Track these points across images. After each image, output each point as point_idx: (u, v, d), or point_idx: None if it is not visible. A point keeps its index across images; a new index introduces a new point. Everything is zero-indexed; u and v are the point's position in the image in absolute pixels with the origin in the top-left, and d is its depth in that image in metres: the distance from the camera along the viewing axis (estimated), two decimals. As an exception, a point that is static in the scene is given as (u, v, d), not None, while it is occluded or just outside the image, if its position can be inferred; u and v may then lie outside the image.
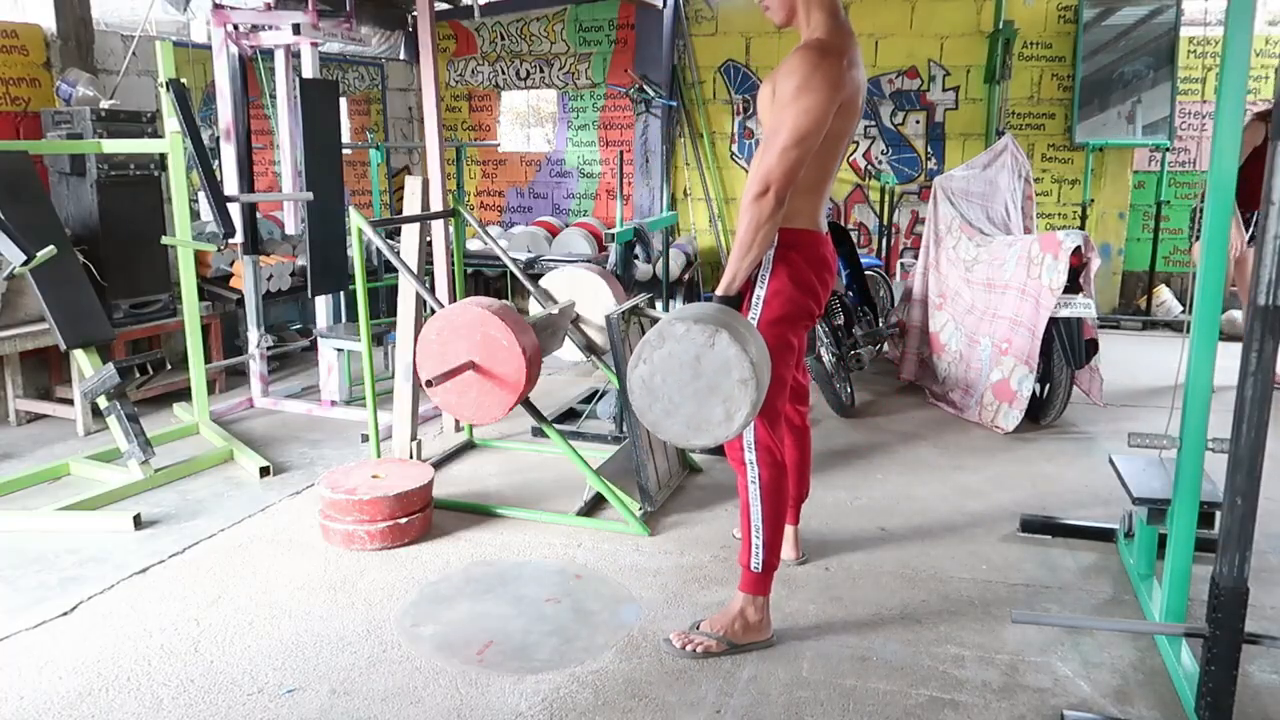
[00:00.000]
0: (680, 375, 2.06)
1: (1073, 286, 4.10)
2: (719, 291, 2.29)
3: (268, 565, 2.98)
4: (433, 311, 3.26)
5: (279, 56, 4.67)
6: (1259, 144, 4.66)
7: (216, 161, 4.68)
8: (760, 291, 2.39)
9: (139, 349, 4.77)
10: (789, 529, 2.96)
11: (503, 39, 7.66)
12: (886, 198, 6.97)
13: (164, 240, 4.39)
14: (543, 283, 3.83)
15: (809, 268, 2.41)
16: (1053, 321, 4.14)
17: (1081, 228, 6.62)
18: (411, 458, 3.88)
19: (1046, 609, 2.71)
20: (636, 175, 7.34)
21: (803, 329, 2.50)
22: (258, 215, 4.86)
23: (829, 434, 4.27)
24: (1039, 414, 4.38)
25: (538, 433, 4.21)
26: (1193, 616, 2.45)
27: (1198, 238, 4.63)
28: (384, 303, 5.98)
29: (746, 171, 7.33)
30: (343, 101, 6.95)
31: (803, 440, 2.86)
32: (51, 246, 3.46)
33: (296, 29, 4.37)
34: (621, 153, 5.38)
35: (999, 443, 4.20)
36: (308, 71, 4.57)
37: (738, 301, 2.31)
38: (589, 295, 3.73)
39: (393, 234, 5.48)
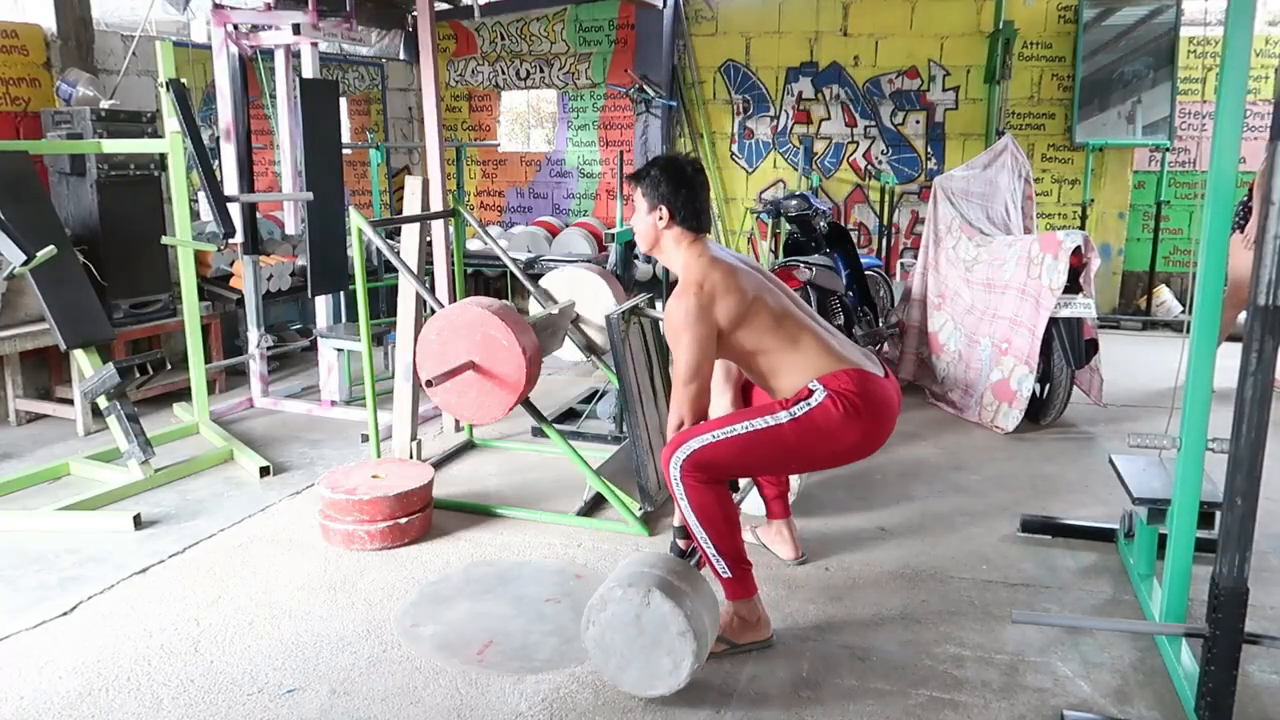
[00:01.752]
0: (626, 633, 2.21)
1: (1073, 286, 4.10)
2: (674, 522, 2.50)
3: (268, 565, 2.98)
4: (433, 311, 3.26)
5: (279, 56, 4.67)
6: None
7: (216, 161, 4.68)
8: (796, 411, 2.32)
9: (139, 349, 4.77)
10: (783, 524, 2.97)
11: (503, 39, 7.67)
12: (886, 198, 6.97)
13: (164, 240, 4.39)
14: (543, 283, 3.83)
15: (844, 419, 2.31)
16: (1053, 321, 4.14)
17: (1081, 228, 6.62)
18: (411, 458, 3.88)
19: (1046, 609, 2.71)
20: (636, 175, 7.32)
21: (825, 462, 2.57)
22: (258, 215, 4.86)
23: (829, 434, 4.26)
24: (1039, 414, 4.38)
25: (538, 433, 4.21)
26: (1193, 616, 2.44)
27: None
28: (384, 303, 5.98)
29: (746, 171, 7.36)
30: (343, 101, 6.95)
31: None
32: (51, 246, 3.46)
33: (296, 29, 4.38)
34: (621, 153, 5.39)
35: (999, 443, 4.20)
36: (308, 71, 4.57)
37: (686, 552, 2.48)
38: (589, 295, 3.73)
39: (393, 234, 5.48)
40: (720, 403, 2.77)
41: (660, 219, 2.47)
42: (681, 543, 2.49)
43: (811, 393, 2.33)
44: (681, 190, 2.45)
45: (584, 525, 3.28)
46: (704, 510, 2.36)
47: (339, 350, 4.66)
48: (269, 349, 4.87)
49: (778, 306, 2.43)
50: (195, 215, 5.17)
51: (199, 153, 3.96)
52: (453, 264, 4.19)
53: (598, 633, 2.23)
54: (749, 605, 2.46)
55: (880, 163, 7.17)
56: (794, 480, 3.18)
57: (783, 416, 2.33)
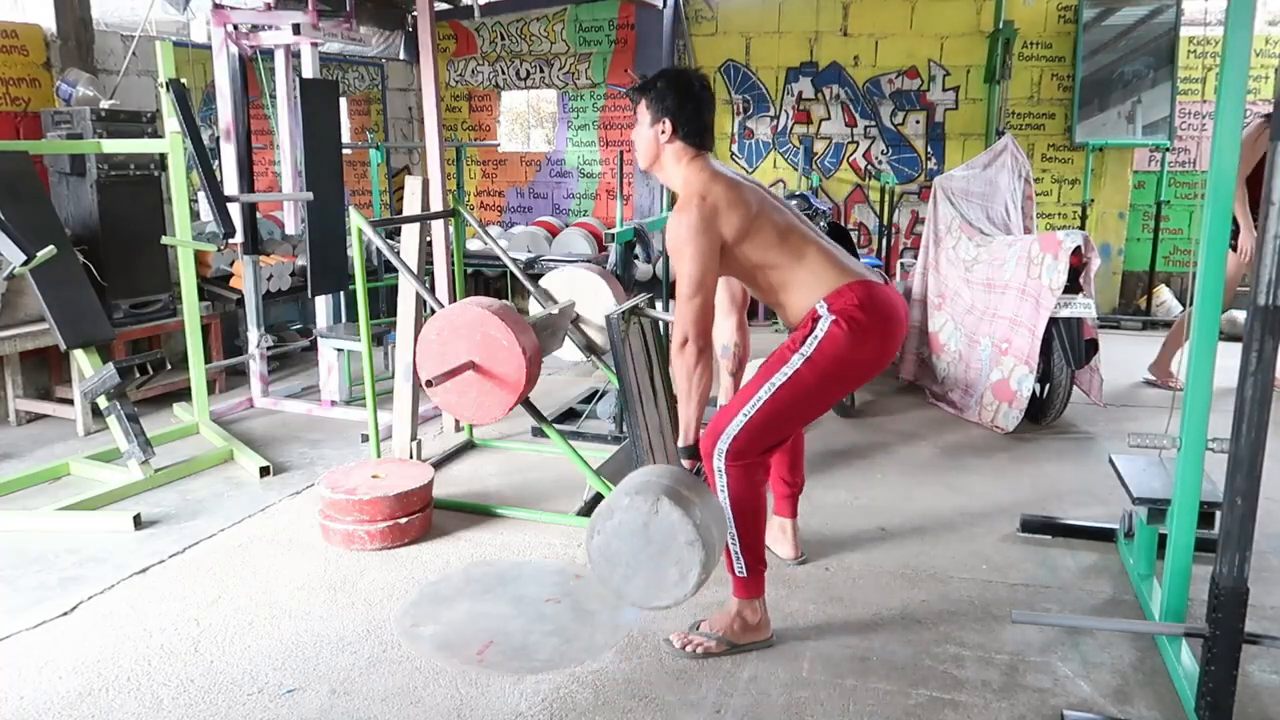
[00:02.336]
0: (633, 543, 2.16)
1: (1073, 286, 4.09)
2: (679, 443, 2.41)
3: (268, 565, 2.98)
4: (433, 311, 3.26)
5: (279, 56, 4.67)
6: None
7: (216, 161, 4.68)
8: (806, 350, 2.33)
9: (139, 349, 4.77)
10: (788, 524, 2.96)
11: (503, 39, 7.67)
12: (886, 198, 6.98)
13: (164, 240, 4.39)
14: (543, 283, 3.83)
15: (853, 338, 2.32)
16: (1053, 321, 4.14)
17: (1081, 228, 6.62)
18: (411, 458, 3.88)
19: (1046, 609, 2.71)
20: (636, 175, 7.34)
21: (853, 384, 2.53)
22: (258, 215, 4.85)
23: (829, 434, 4.26)
24: (1039, 414, 4.37)
25: (538, 433, 4.21)
26: (1193, 616, 2.44)
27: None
28: (384, 303, 5.98)
29: (747, 171, 7.36)
30: (343, 101, 6.95)
31: (796, 435, 2.85)
32: (51, 246, 3.45)
33: (296, 29, 4.37)
34: (621, 153, 5.39)
35: (999, 443, 4.20)
36: (308, 71, 4.57)
37: (698, 450, 2.39)
38: (589, 295, 3.73)
39: (393, 234, 5.48)
40: (725, 325, 2.74)
41: (663, 133, 2.42)
42: (686, 463, 2.43)
43: (818, 319, 2.33)
44: (687, 104, 2.41)
45: (584, 525, 3.26)
46: (742, 504, 2.38)
47: (339, 350, 4.66)
48: (269, 349, 4.87)
49: (782, 221, 2.41)
50: (195, 215, 5.17)
51: (199, 153, 3.96)
52: (453, 264, 4.19)
53: (603, 542, 2.17)
54: (754, 607, 2.46)
55: (880, 163, 7.17)
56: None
57: (796, 361, 2.33)
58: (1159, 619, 2.43)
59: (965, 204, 4.99)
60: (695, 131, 2.43)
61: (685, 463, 2.43)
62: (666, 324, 3.71)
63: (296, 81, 4.48)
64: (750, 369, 3.61)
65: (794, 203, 5.03)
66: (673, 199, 2.73)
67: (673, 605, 2.18)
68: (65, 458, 3.84)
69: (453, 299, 4.15)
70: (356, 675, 2.36)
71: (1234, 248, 4.76)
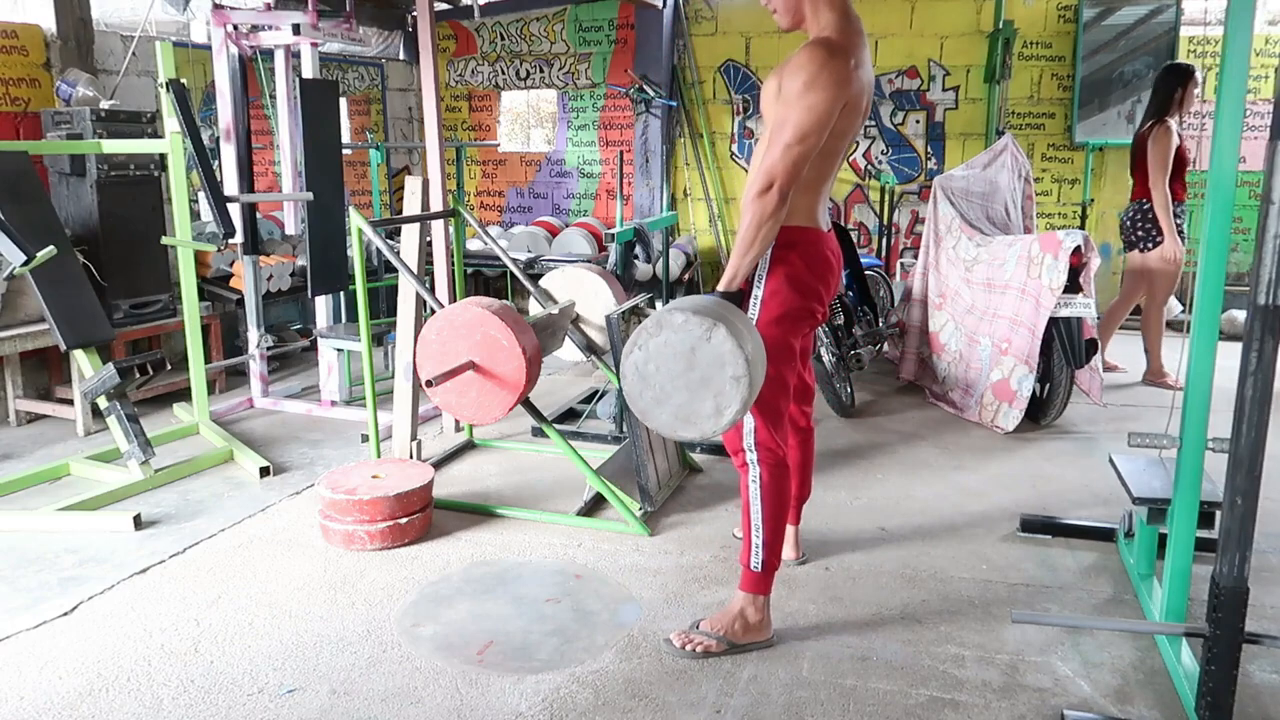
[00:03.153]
0: (674, 365, 2.06)
1: (1073, 286, 4.10)
2: (720, 287, 2.28)
3: (268, 565, 2.98)
4: (433, 311, 3.26)
5: (279, 56, 4.67)
6: (1178, 146, 4.78)
7: (216, 161, 4.68)
8: (758, 291, 2.39)
9: (139, 349, 4.77)
10: (789, 529, 2.96)
11: (503, 39, 7.66)
12: (886, 198, 6.97)
13: (164, 240, 4.39)
14: (543, 283, 3.83)
15: (808, 268, 2.40)
16: (1053, 321, 4.14)
17: (1081, 228, 6.61)
18: (411, 458, 3.88)
19: (1046, 609, 2.71)
20: (636, 175, 7.34)
21: (805, 330, 2.49)
22: (258, 215, 4.85)
23: (829, 434, 4.26)
24: (1039, 414, 4.38)
25: (538, 433, 4.21)
26: (1193, 616, 2.45)
27: (1136, 248, 4.72)
28: (384, 303, 5.98)
29: (746, 171, 7.35)
30: (343, 101, 6.95)
31: (806, 441, 2.85)
32: (51, 246, 3.46)
33: (296, 29, 4.38)
34: (621, 153, 5.38)
35: (999, 443, 4.20)
36: (308, 71, 4.58)
37: (739, 298, 2.30)
38: (589, 295, 3.73)
39: (393, 234, 5.48)
40: None
41: None
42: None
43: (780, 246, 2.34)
44: None
45: (584, 525, 3.28)
46: (773, 498, 2.39)
47: (339, 350, 4.66)
48: (269, 349, 4.87)
49: (841, 149, 2.37)
50: (195, 215, 5.17)
51: (199, 153, 3.96)
52: (453, 264, 4.19)
53: (641, 358, 2.06)
54: (758, 604, 2.47)
55: (880, 163, 7.17)
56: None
57: (757, 293, 2.35)
58: (1159, 619, 2.43)
59: (965, 204, 4.99)
60: None
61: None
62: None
63: (296, 81, 4.48)
64: None
65: None
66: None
67: (698, 439, 2.08)
68: (65, 458, 3.84)
69: (453, 299, 4.15)
70: (356, 675, 2.36)
71: (1158, 243, 4.81)
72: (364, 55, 6.94)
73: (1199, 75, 4.79)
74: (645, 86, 7.07)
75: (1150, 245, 4.80)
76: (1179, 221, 4.86)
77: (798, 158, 2.17)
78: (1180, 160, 4.81)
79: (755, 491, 2.41)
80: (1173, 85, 4.76)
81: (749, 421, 2.38)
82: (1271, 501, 3.33)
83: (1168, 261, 4.83)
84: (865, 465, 3.91)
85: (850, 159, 7.20)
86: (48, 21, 4.69)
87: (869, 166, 7.20)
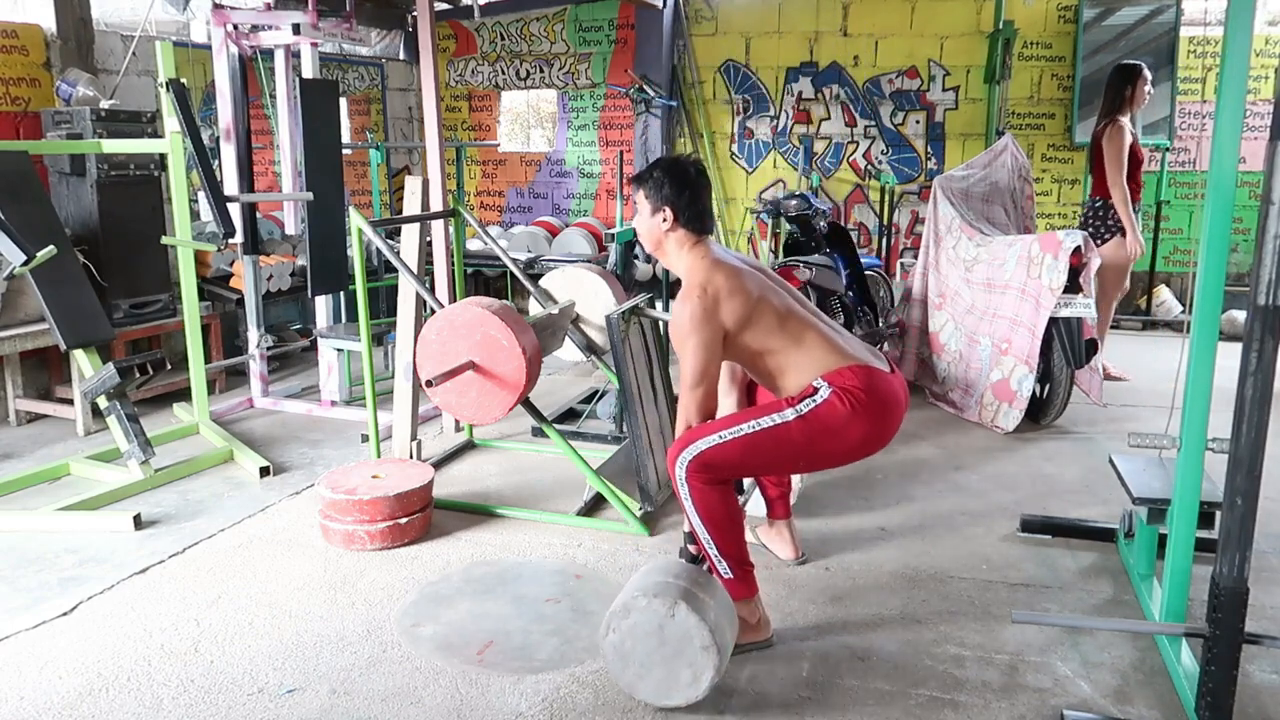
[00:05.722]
0: (648, 643, 2.20)
1: (1073, 286, 4.10)
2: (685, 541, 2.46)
3: (268, 565, 2.98)
4: (433, 311, 3.26)
5: (279, 56, 4.67)
6: (1132, 143, 4.79)
7: (216, 161, 4.68)
8: (802, 409, 2.33)
9: (139, 349, 4.77)
10: (783, 525, 2.96)
11: (503, 39, 7.66)
12: (886, 198, 6.97)
13: (164, 240, 4.39)
14: (543, 283, 3.83)
15: (851, 414, 2.32)
16: (1053, 321, 4.14)
17: (1081, 228, 6.61)
18: (411, 458, 3.88)
19: (1046, 609, 2.71)
20: (636, 175, 7.33)
21: (836, 459, 2.52)
22: (258, 215, 4.85)
23: (829, 434, 4.26)
24: (1039, 414, 4.37)
25: (538, 433, 4.21)
26: (1193, 616, 2.45)
27: (1097, 239, 4.76)
28: (384, 303, 5.98)
29: (746, 171, 7.36)
30: (343, 101, 6.95)
31: None
32: (51, 246, 3.46)
33: (296, 29, 4.38)
34: (621, 153, 5.39)
35: (999, 443, 4.20)
36: (308, 71, 4.58)
37: (699, 559, 2.42)
38: (589, 295, 3.73)
39: (393, 234, 5.48)
40: (726, 404, 2.76)
41: (664, 221, 2.48)
42: (692, 548, 2.45)
43: (817, 390, 2.33)
44: (685, 192, 2.46)
45: (584, 525, 3.27)
46: (709, 512, 2.36)
47: (339, 350, 4.66)
48: (269, 349, 4.87)
49: (782, 306, 2.43)
50: (195, 215, 5.17)
51: (199, 153, 3.96)
52: (453, 264, 4.19)
53: (617, 640, 2.22)
54: (749, 606, 2.46)
55: (880, 163, 7.17)
56: (796, 481, 3.18)
57: (789, 414, 2.32)
58: (1159, 619, 2.43)
59: (965, 204, 4.99)
60: (695, 217, 2.48)
61: (690, 548, 2.45)
62: (667, 323, 3.71)
63: (296, 81, 4.48)
64: None
65: (793, 203, 5.04)
66: (670, 282, 2.75)
67: (684, 705, 2.20)
68: (65, 458, 3.84)
69: (453, 299, 4.15)
70: (356, 675, 2.36)
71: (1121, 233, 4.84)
72: (364, 55, 6.95)
73: (1148, 74, 4.82)
74: (645, 86, 7.07)
75: (1100, 241, 4.81)
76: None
77: (704, 395, 2.35)
78: (1134, 158, 4.82)
79: (690, 509, 2.37)
80: (1122, 84, 4.80)
81: (701, 445, 2.32)
82: (1271, 501, 3.33)
83: (1118, 255, 4.84)
84: (865, 465, 3.91)
85: (850, 159, 7.21)
86: (48, 21, 4.69)
87: (869, 166, 7.20)
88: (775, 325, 2.40)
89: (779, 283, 2.54)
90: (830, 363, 2.37)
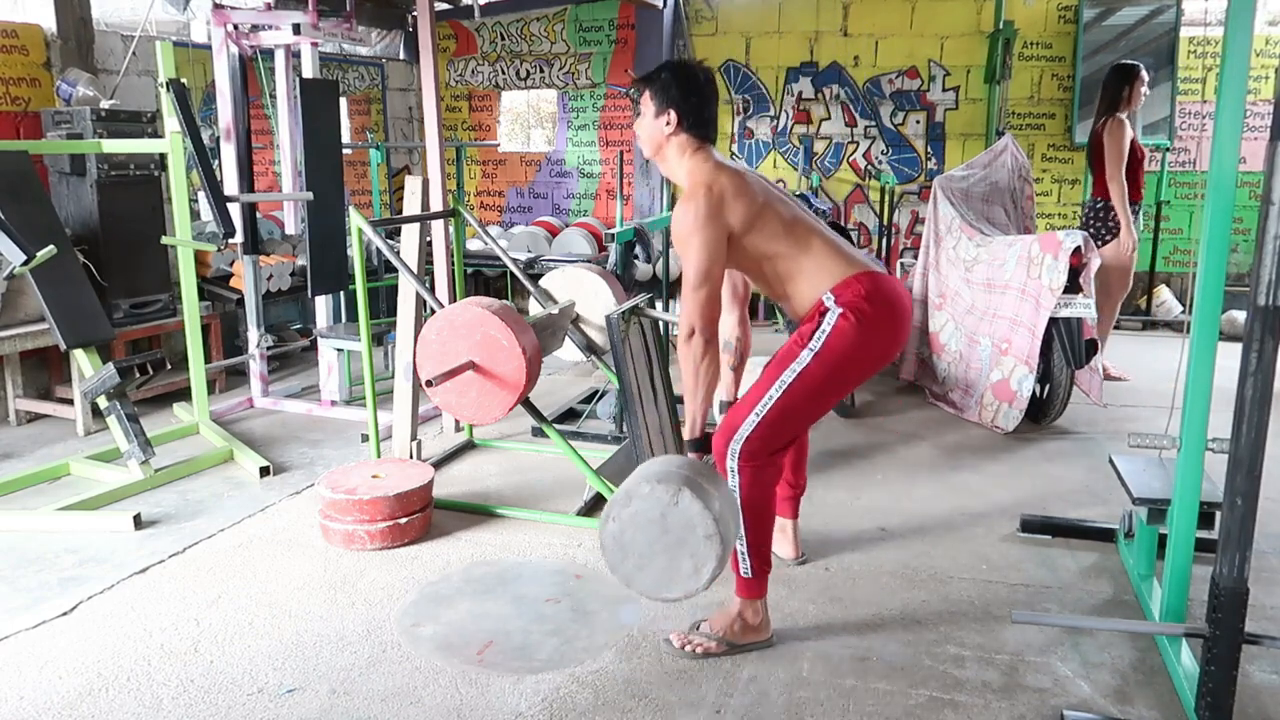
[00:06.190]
0: (649, 532, 2.13)
1: (1073, 286, 4.09)
2: (686, 436, 2.36)
3: (268, 565, 2.98)
4: (433, 311, 3.26)
5: (279, 56, 4.67)
6: (1132, 141, 4.80)
7: (216, 161, 4.68)
8: (811, 349, 2.33)
9: (139, 349, 4.77)
10: (788, 525, 2.96)
11: (503, 39, 7.67)
12: (886, 198, 6.97)
13: (164, 240, 4.39)
14: (543, 283, 3.83)
15: (861, 331, 2.31)
16: (1052, 321, 4.14)
17: (1081, 228, 6.61)
18: (411, 458, 3.88)
19: (1046, 609, 2.71)
20: (636, 175, 7.34)
21: (862, 375, 2.50)
22: (258, 215, 4.85)
23: (829, 434, 4.26)
24: (1039, 414, 4.37)
25: (538, 433, 4.21)
26: (1193, 616, 2.45)
27: (1098, 239, 4.77)
28: (384, 303, 5.98)
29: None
30: (343, 101, 6.95)
31: (800, 436, 2.85)
32: (51, 246, 3.45)
33: (296, 29, 4.38)
34: (621, 153, 5.38)
35: (999, 443, 4.20)
36: (308, 71, 4.57)
37: (706, 444, 2.36)
38: (589, 295, 3.73)
39: (393, 234, 5.48)
40: (728, 320, 2.73)
41: (667, 124, 2.41)
42: (693, 456, 2.37)
43: (825, 311, 2.32)
44: (691, 97, 2.40)
45: (584, 525, 3.27)
46: (754, 505, 2.38)
47: (339, 350, 4.66)
48: (269, 349, 4.87)
49: (787, 212, 2.41)
50: (195, 215, 5.17)
51: (199, 153, 3.96)
52: (453, 264, 4.19)
53: (617, 529, 2.14)
54: (755, 607, 2.46)
55: (880, 163, 7.17)
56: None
57: (805, 357, 2.32)
58: (1159, 619, 2.43)
59: (965, 204, 4.99)
60: (700, 124, 2.42)
61: (692, 456, 2.38)
62: (667, 324, 3.71)
63: (296, 81, 4.48)
64: (751, 365, 3.60)
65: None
66: (673, 199, 2.74)
67: (683, 598, 2.16)
68: (65, 458, 3.84)
69: (453, 299, 4.15)
70: (356, 675, 2.36)
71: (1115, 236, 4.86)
72: (364, 55, 6.95)
73: (1144, 74, 4.84)
74: (645, 86, 7.06)
75: (1100, 243, 4.82)
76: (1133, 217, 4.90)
77: (706, 297, 2.28)
78: (1135, 156, 4.83)
79: (735, 498, 2.38)
80: (1119, 84, 4.82)
81: (744, 429, 2.36)
82: (1271, 501, 3.33)
83: (1120, 255, 4.84)
84: (865, 465, 3.91)
85: (850, 159, 7.21)
86: (48, 21, 4.69)
87: (869, 166, 7.20)
88: (781, 230, 2.36)
89: (784, 193, 2.51)
90: (837, 270, 2.35)
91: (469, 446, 4.12)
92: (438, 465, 3.83)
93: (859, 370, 2.44)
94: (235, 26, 4.47)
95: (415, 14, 4.18)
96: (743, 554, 2.41)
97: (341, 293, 4.99)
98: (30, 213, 3.82)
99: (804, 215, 2.45)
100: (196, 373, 4.29)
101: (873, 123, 7.12)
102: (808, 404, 2.39)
